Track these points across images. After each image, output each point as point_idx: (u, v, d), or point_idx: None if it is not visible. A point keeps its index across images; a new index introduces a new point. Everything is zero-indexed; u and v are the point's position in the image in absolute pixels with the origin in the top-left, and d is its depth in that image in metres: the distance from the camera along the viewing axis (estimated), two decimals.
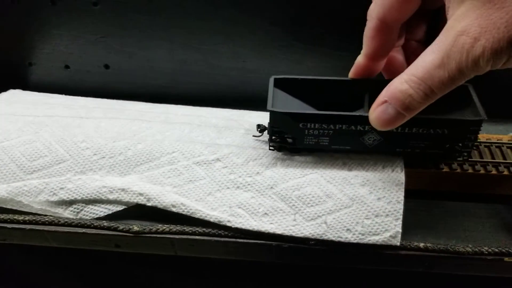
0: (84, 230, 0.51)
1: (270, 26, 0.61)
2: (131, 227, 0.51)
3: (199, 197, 0.51)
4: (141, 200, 0.51)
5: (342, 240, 0.48)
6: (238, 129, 0.57)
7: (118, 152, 0.53)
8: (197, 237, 0.50)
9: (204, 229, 0.50)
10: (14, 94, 0.65)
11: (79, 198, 0.52)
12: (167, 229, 0.51)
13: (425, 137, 0.48)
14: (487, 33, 0.33)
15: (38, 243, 0.53)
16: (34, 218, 0.52)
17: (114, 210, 0.52)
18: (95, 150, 0.53)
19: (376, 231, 0.48)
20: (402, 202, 0.48)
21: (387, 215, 0.48)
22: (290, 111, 0.48)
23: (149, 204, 0.51)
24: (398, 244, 0.48)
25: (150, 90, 0.68)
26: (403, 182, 0.49)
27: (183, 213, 0.50)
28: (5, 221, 0.52)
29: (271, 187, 0.50)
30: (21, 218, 0.52)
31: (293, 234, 0.49)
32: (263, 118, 0.58)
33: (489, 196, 0.55)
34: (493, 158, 0.54)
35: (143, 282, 0.73)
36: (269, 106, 0.48)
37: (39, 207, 0.52)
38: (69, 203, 0.52)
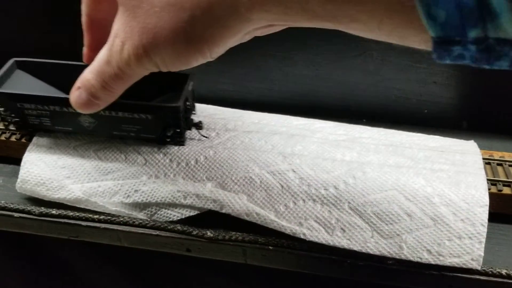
0: (158, 232, 0.51)
1: (345, 33, 0.60)
2: (204, 232, 0.51)
3: (272, 207, 0.50)
4: (214, 207, 0.50)
5: (421, 260, 0.47)
6: (310, 138, 0.56)
7: (193, 157, 0.53)
8: (270, 247, 0.50)
9: (277, 240, 0.50)
10: None
11: (153, 201, 0.52)
12: (240, 238, 0.50)
13: (135, 122, 0.51)
14: (129, 38, 0.36)
15: (110, 242, 0.54)
16: (109, 217, 0.52)
17: (187, 215, 0.51)
18: (171, 156, 0.53)
19: (457, 253, 0.46)
20: (486, 224, 0.47)
21: (470, 237, 0.46)
22: (4, 91, 0.52)
23: (222, 211, 0.50)
24: (479, 268, 0.46)
25: (218, 94, 0.68)
26: (487, 204, 0.47)
27: (257, 222, 0.50)
28: (79, 218, 0.52)
29: (348, 202, 0.49)
30: (96, 216, 0.52)
31: (370, 251, 0.47)
32: (336, 127, 0.57)
33: None
34: None
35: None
36: None
37: (114, 208, 0.52)
38: (143, 205, 0.52)
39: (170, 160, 0.53)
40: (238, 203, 0.50)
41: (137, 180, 0.53)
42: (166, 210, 0.52)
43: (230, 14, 0.32)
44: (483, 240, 0.46)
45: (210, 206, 0.51)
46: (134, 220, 0.52)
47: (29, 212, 0.53)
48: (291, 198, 0.50)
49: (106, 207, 0.52)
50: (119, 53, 0.37)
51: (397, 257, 0.47)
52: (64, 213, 0.53)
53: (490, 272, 0.47)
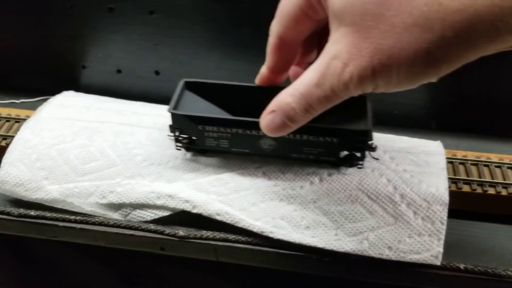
0: (132, 232, 0.53)
1: None
2: (177, 231, 0.53)
3: (243, 207, 0.52)
4: (187, 207, 0.52)
5: (383, 257, 0.49)
6: None
7: (167, 160, 0.55)
8: (239, 245, 0.52)
9: (246, 238, 0.52)
10: (68, 97, 0.67)
11: (128, 202, 0.54)
12: (211, 236, 0.52)
13: (318, 145, 0.50)
14: (354, 60, 0.34)
15: (87, 242, 0.55)
16: (85, 218, 0.54)
17: (161, 215, 0.53)
18: (145, 157, 0.55)
19: (418, 250, 0.48)
20: (445, 222, 0.49)
21: (430, 235, 0.48)
22: (189, 113, 0.50)
23: (194, 211, 0.52)
24: (439, 264, 0.48)
25: None
26: (447, 203, 0.49)
27: (227, 221, 0.51)
28: (57, 219, 0.54)
29: (314, 201, 0.51)
30: (72, 217, 0.54)
31: (334, 248, 0.49)
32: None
33: None
34: None
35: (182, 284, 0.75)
36: (170, 108, 0.50)
37: (89, 208, 0.54)
38: (118, 206, 0.54)
39: (145, 161, 0.55)
40: (209, 203, 0.52)
41: (112, 181, 0.54)
42: (140, 211, 0.54)
43: (487, 35, 0.31)
44: (442, 237, 0.48)
45: (183, 206, 0.53)
46: (109, 221, 0.54)
47: (8, 214, 0.55)
48: (260, 198, 0.52)
49: (82, 208, 0.54)
50: (337, 75, 0.35)
51: (360, 253, 0.49)
52: (42, 214, 0.55)
53: (449, 267, 0.49)
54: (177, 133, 0.53)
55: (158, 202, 0.53)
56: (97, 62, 0.71)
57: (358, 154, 0.51)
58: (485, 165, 0.56)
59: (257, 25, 0.62)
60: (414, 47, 0.32)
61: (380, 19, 0.32)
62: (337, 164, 0.52)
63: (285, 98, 0.40)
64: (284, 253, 0.51)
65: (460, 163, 0.56)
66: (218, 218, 0.52)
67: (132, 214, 0.54)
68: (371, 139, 0.49)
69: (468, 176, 0.54)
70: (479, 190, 0.53)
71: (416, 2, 0.31)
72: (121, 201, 0.54)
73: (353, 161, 0.52)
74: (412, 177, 0.52)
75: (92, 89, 0.71)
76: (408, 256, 0.48)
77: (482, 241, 0.53)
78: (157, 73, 0.70)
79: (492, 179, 0.54)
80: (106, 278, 0.76)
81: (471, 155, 0.57)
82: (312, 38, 0.45)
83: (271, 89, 0.48)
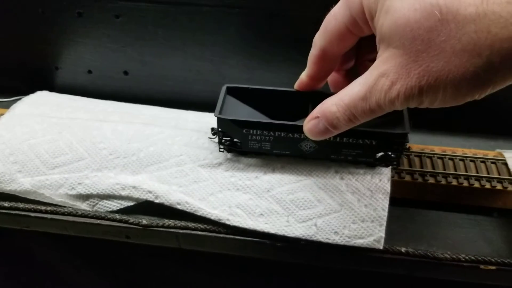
0: (98, 221, 0.57)
1: (274, 41, 0.66)
2: (140, 220, 0.56)
3: (202, 197, 0.56)
4: (150, 197, 0.56)
5: (330, 241, 0.53)
6: None
7: (131, 153, 0.59)
8: (199, 232, 0.56)
9: (205, 225, 0.56)
10: (41, 96, 0.71)
11: (95, 193, 0.57)
12: (172, 224, 0.56)
13: (356, 147, 0.53)
14: (402, 79, 0.36)
15: (58, 231, 0.59)
16: (55, 209, 0.57)
17: (126, 205, 0.57)
18: (111, 150, 0.59)
19: (362, 235, 0.52)
20: (387, 209, 0.53)
21: (372, 221, 0.53)
22: (235, 118, 0.53)
23: (157, 201, 0.56)
24: (381, 247, 0.52)
25: (165, 96, 0.74)
26: (388, 191, 0.54)
27: (187, 210, 0.55)
28: (29, 210, 0.58)
29: (268, 190, 0.55)
30: (43, 208, 0.58)
31: (286, 234, 0.53)
32: None
33: (472, 208, 0.58)
34: (477, 172, 0.58)
35: (151, 272, 0.78)
36: (216, 113, 0.53)
37: (59, 199, 0.58)
38: (86, 197, 0.58)
39: (111, 154, 0.59)
40: (171, 194, 0.56)
41: (80, 174, 0.58)
42: (106, 201, 0.58)
43: None
44: (384, 223, 0.52)
45: (146, 196, 0.56)
46: (78, 211, 0.57)
47: None
48: (218, 188, 0.56)
49: (52, 199, 0.58)
50: (384, 92, 0.38)
51: (309, 238, 0.53)
52: (15, 205, 0.58)
53: (391, 251, 0.53)
54: (220, 136, 0.56)
55: (123, 193, 0.57)
56: (69, 63, 0.74)
57: (393, 155, 0.54)
58: (427, 157, 0.60)
59: (217, 27, 0.66)
60: (462, 71, 0.34)
61: (429, 44, 0.35)
62: (373, 164, 0.55)
63: (330, 106, 0.43)
64: (240, 239, 0.55)
65: (416, 156, 0.60)
66: (179, 207, 0.56)
67: (99, 204, 0.58)
68: (408, 141, 0.52)
69: (411, 167, 0.59)
70: (420, 179, 0.58)
71: (466, 30, 0.33)
72: (88, 192, 0.57)
73: (388, 162, 0.55)
74: (357, 169, 0.56)
75: (66, 89, 0.75)
76: (353, 241, 0.52)
77: (425, 228, 0.57)
78: (125, 73, 0.73)
79: (434, 169, 0.58)
80: (77, 267, 0.79)
81: (415, 147, 0.61)
82: (352, 48, 0.48)
83: (308, 94, 0.53)
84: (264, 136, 0.54)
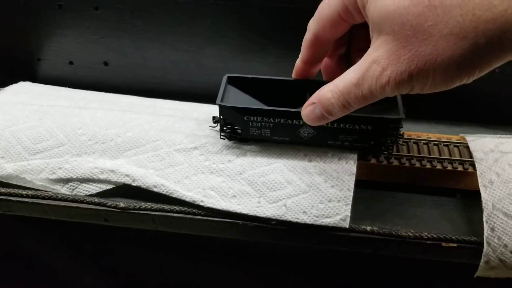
0: (78, 204, 0.59)
1: (248, 32, 0.69)
2: (118, 203, 0.58)
3: (177, 180, 0.58)
4: (127, 180, 0.58)
5: (299, 221, 0.55)
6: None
7: (109, 138, 0.61)
8: (174, 214, 0.58)
9: (180, 207, 0.58)
10: (23, 86, 0.73)
11: (75, 177, 0.59)
12: (149, 207, 0.58)
13: (353, 132, 0.56)
14: (392, 65, 0.38)
15: (39, 215, 0.61)
16: (36, 193, 0.60)
17: (104, 189, 0.59)
18: (90, 136, 0.61)
19: (329, 214, 0.55)
20: (352, 190, 0.55)
21: (339, 200, 0.55)
22: (235, 105, 0.56)
23: (134, 184, 0.58)
24: (347, 226, 0.55)
25: (144, 85, 0.76)
26: (354, 172, 0.56)
27: (163, 193, 0.58)
28: (10, 194, 0.60)
29: (240, 173, 0.58)
30: (24, 192, 0.60)
31: (257, 214, 0.56)
32: None
33: (435, 189, 0.61)
34: (440, 154, 0.61)
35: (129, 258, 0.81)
36: (218, 101, 0.56)
37: (40, 183, 0.60)
38: (66, 181, 0.60)
39: (90, 140, 0.61)
40: (147, 177, 0.58)
41: (60, 159, 0.60)
42: (85, 185, 0.60)
43: None
44: (350, 202, 0.55)
45: (124, 180, 0.59)
46: (57, 195, 0.59)
47: None
48: (193, 172, 0.59)
49: (34, 183, 0.60)
50: (376, 78, 0.39)
51: (279, 218, 0.56)
52: None
53: (357, 229, 0.56)
54: (222, 123, 0.58)
55: (102, 177, 0.59)
56: (51, 55, 0.76)
57: (389, 141, 0.56)
58: None
59: (193, 18, 0.69)
60: (449, 53, 0.35)
61: (418, 29, 0.36)
62: (370, 150, 0.58)
63: (326, 93, 0.45)
64: (214, 220, 0.57)
65: None
66: (155, 189, 0.58)
67: (79, 188, 0.60)
68: (402, 127, 0.55)
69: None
70: (385, 162, 0.60)
71: (452, 14, 0.34)
72: (68, 176, 0.59)
73: (384, 147, 0.57)
74: (325, 152, 0.58)
75: (48, 81, 0.77)
76: (320, 220, 0.55)
77: (390, 209, 0.60)
78: (106, 64, 0.76)
79: (398, 152, 0.61)
80: (59, 252, 0.81)
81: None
82: (344, 35, 0.49)
83: (306, 83, 0.56)
84: (264, 123, 0.56)
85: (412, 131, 0.67)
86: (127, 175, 0.59)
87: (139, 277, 0.86)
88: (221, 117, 0.57)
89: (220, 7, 0.67)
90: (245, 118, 0.56)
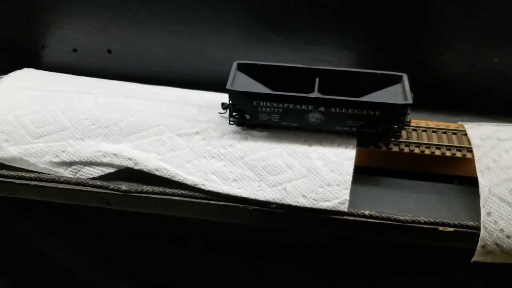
0: (80, 187, 0.60)
1: (251, 21, 0.70)
2: (120, 186, 0.59)
3: (179, 164, 0.59)
4: (129, 164, 0.59)
5: (298, 204, 0.56)
6: (218, 108, 0.65)
7: (112, 123, 0.62)
8: (175, 197, 0.59)
9: (182, 191, 0.59)
10: (27, 72, 0.74)
11: (78, 160, 0.60)
12: (151, 190, 0.59)
13: (361, 118, 0.56)
14: None
15: (41, 198, 0.62)
16: (39, 175, 0.60)
17: (107, 172, 0.60)
18: (93, 121, 0.62)
19: (328, 198, 0.56)
20: (351, 174, 0.56)
21: (338, 184, 0.56)
22: (245, 90, 0.57)
23: (136, 167, 0.59)
24: (346, 210, 0.56)
25: (147, 73, 0.77)
26: (353, 157, 0.57)
27: (165, 176, 0.59)
28: (14, 177, 0.61)
29: (241, 158, 0.59)
30: (27, 175, 0.61)
31: (257, 198, 0.57)
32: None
33: (434, 176, 0.62)
34: (438, 141, 0.61)
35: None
36: (228, 86, 0.57)
37: (43, 166, 0.61)
38: (69, 164, 0.61)
39: (93, 124, 0.62)
40: (149, 161, 0.59)
41: (64, 142, 0.61)
42: (88, 168, 0.61)
43: None
44: (349, 186, 0.56)
45: (126, 163, 0.60)
46: (60, 178, 0.60)
47: None
48: (195, 156, 0.59)
49: (37, 166, 0.61)
50: None
51: (279, 201, 0.56)
52: (1, 172, 0.61)
53: (355, 213, 0.56)
54: (231, 109, 0.59)
55: (105, 160, 0.60)
56: (55, 42, 0.77)
57: (396, 126, 0.57)
58: None
59: (196, 7, 0.70)
60: None
61: None
62: (376, 136, 0.59)
63: None
64: (215, 204, 0.58)
65: None
66: (157, 173, 0.59)
67: (81, 171, 0.61)
68: (409, 113, 0.56)
69: None
70: (384, 148, 0.61)
71: None
72: (71, 160, 0.60)
73: (391, 133, 0.58)
74: (325, 138, 0.59)
75: (52, 68, 0.78)
76: (319, 203, 0.56)
77: (389, 194, 0.61)
78: (109, 51, 0.76)
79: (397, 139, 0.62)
80: (58, 240, 0.82)
81: None
82: None
83: (313, 70, 0.58)
84: (273, 108, 0.57)
85: (412, 119, 0.68)
86: (130, 159, 0.59)
87: (135, 268, 0.87)
88: (230, 102, 0.58)
89: None
90: (254, 103, 0.57)
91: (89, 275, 0.88)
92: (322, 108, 0.56)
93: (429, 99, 0.71)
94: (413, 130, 0.63)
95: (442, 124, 0.64)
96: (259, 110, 0.58)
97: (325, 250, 0.75)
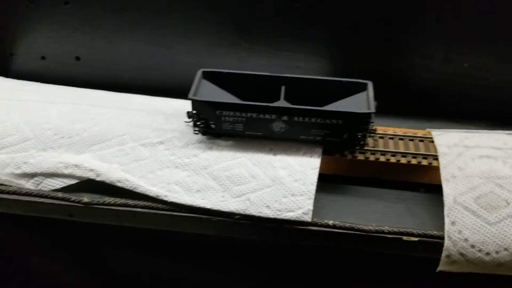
0: (42, 199, 0.59)
1: (220, 27, 0.69)
2: (81, 198, 0.58)
3: (142, 174, 0.58)
4: (91, 175, 0.58)
5: (262, 215, 0.55)
6: (185, 116, 0.64)
7: (75, 133, 0.61)
8: (138, 209, 0.58)
9: (145, 202, 0.58)
10: None
11: (39, 171, 0.59)
12: (113, 202, 0.58)
13: (325, 127, 0.56)
14: None
15: (4, 210, 0.61)
16: (1, 188, 0.59)
17: (69, 183, 0.59)
18: (56, 131, 0.61)
19: (291, 208, 0.55)
20: (315, 184, 0.56)
21: (302, 194, 0.55)
22: (207, 99, 0.56)
23: (98, 179, 0.58)
24: (310, 220, 0.55)
25: (116, 80, 0.76)
26: (318, 167, 0.57)
27: (127, 188, 0.58)
28: None
29: (205, 168, 0.58)
30: None
31: (221, 208, 0.56)
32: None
33: (400, 184, 0.61)
34: (405, 149, 0.61)
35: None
36: (190, 95, 0.56)
37: (5, 178, 0.60)
38: (31, 176, 0.60)
39: (56, 135, 0.61)
40: (111, 172, 0.58)
41: (26, 153, 0.60)
42: (50, 180, 0.60)
43: None
44: (313, 196, 0.55)
45: (88, 174, 0.59)
46: (22, 190, 0.59)
47: None
48: (158, 166, 0.59)
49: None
50: None
51: (243, 212, 0.55)
52: None
53: (319, 223, 0.56)
54: (195, 119, 0.58)
55: (66, 171, 0.59)
56: (23, 50, 0.76)
57: (359, 135, 0.57)
58: None
59: (163, 13, 0.69)
60: None
61: None
62: (341, 144, 0.58)
63: None
64: (178, 215, 0.57)
65: None
66: (119, 184, 0.58)
67: (44, 183, 0.60)
68: (372, 122, 0.55)
69: None
70: (350, 156, 0.60)
71: None
72: (33, 171, 0.59)
73: (355, 142, 0.57)
74: (291, 147, 0.59)
75: (21, 76, 0.77)
76: (283, 214, 0.55)
77: (354, 203, 0.60)
78: (77, 58, 0.76)
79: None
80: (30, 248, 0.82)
81: None
82: None
83: (280, 78, 0.57)
84: (236, 117, 0.57)
85: (381, 126, 0.67)
86: (91, 170, 0.59)
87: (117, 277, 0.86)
88: (194, 111, 0.57)
89: (189, 2, 0.67)
90: (217, 112, 0.56)
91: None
92: (285, 118, 0.56)
93: (399, 105, 0.70)
94: (380, 137, 0.62)
95: (410, 131, 0.64)
96: (222, 119, 0.57)
97: (292, 258, 0.74)
